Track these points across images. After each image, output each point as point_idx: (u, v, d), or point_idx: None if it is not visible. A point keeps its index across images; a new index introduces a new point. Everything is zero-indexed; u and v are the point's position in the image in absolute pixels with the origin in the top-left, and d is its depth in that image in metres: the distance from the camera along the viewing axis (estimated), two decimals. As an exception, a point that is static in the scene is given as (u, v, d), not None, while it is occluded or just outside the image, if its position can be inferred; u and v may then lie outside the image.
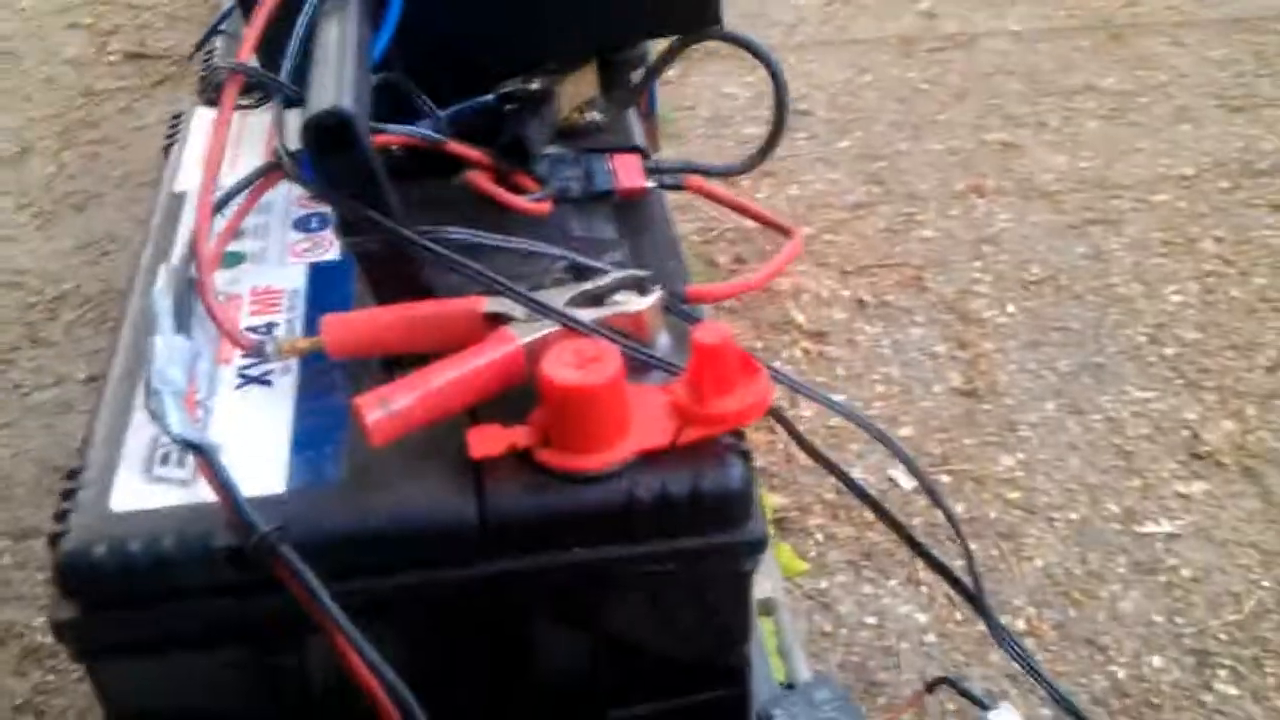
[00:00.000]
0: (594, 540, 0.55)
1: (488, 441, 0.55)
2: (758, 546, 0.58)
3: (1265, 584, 1.39)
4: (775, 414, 0.61)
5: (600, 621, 0.59)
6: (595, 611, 0.59)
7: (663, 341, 0.60)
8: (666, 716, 0.63)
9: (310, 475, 0.55)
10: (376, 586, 0.54)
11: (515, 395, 0.56)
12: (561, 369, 0.53)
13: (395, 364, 0.58)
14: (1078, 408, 1.61)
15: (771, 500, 1.47)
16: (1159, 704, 1.28)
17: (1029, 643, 1.33)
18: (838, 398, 1.56)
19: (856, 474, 1.46)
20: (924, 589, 1.38)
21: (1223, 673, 1.31)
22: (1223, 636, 1.34)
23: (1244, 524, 1.45)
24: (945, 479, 1.52)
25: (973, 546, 1.36)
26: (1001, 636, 0.72)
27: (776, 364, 1.56)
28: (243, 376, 0.61)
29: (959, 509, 1.47)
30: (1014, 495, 1.50)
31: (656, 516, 0.55)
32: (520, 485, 0.54)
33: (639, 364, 0.57)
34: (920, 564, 1.20)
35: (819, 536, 1.45)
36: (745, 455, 0.56)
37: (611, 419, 0.54)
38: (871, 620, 1.36)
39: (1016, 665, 0.74)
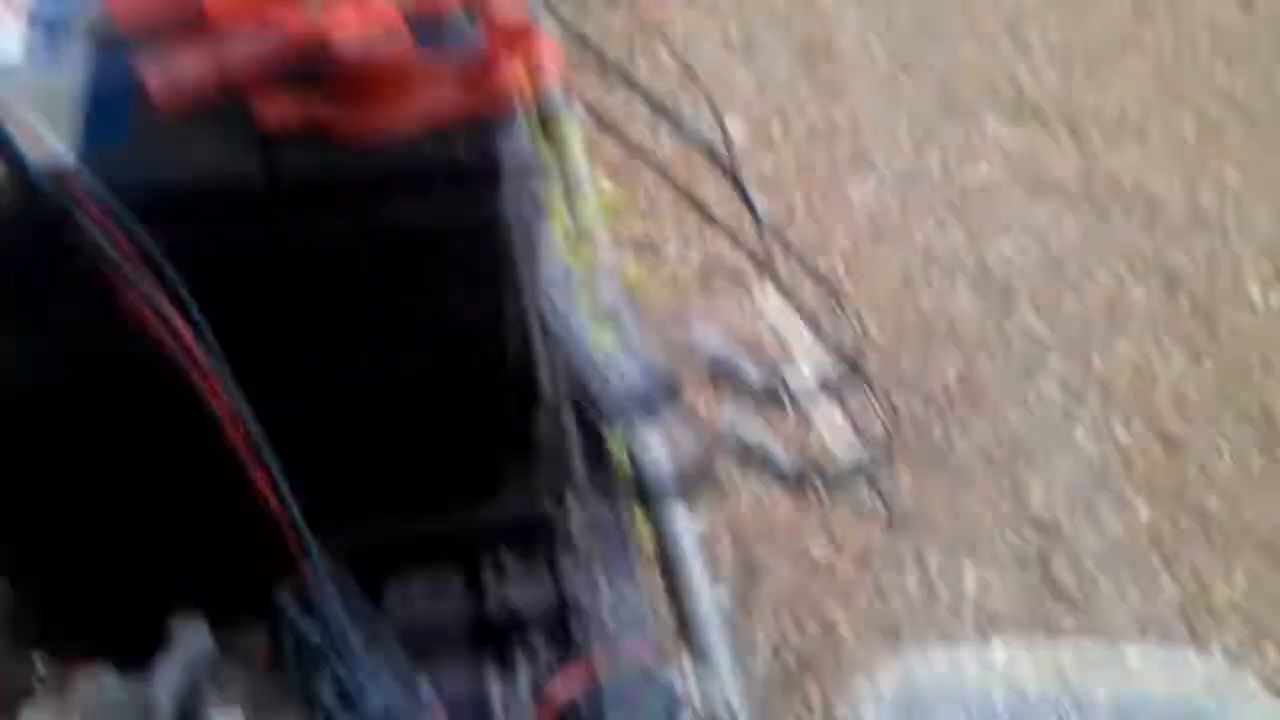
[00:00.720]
0: (380, 203, 0.58)
1: (277, 110, 0.56)
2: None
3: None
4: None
5: (384, 281, 0.62)
6: (380, 271, 0.61)
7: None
8: (445, 363, 0.66)
9: (100, 139, 0.55)
10: (169, 239, 0.54)
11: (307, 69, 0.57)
12: (350, 42, 0.54)
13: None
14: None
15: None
16: (961, 334, 1.38)
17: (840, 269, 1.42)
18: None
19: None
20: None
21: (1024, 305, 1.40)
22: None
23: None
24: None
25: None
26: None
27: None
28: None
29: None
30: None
31: (442, 180, 0.58)
32: (307, 150, 0.56)
33: (425, 34, 0.58)
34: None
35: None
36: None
37: (398, 88, 0.56)
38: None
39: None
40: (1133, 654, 0.55)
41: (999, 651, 0.56)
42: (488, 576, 0.73)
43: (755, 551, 1.38)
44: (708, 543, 1.24)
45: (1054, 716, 0.51)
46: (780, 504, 1.38)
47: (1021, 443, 1.45)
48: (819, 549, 1.38)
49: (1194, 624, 1.35)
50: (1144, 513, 1.42)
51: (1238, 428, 1.48)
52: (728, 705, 0.68)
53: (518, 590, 0.72)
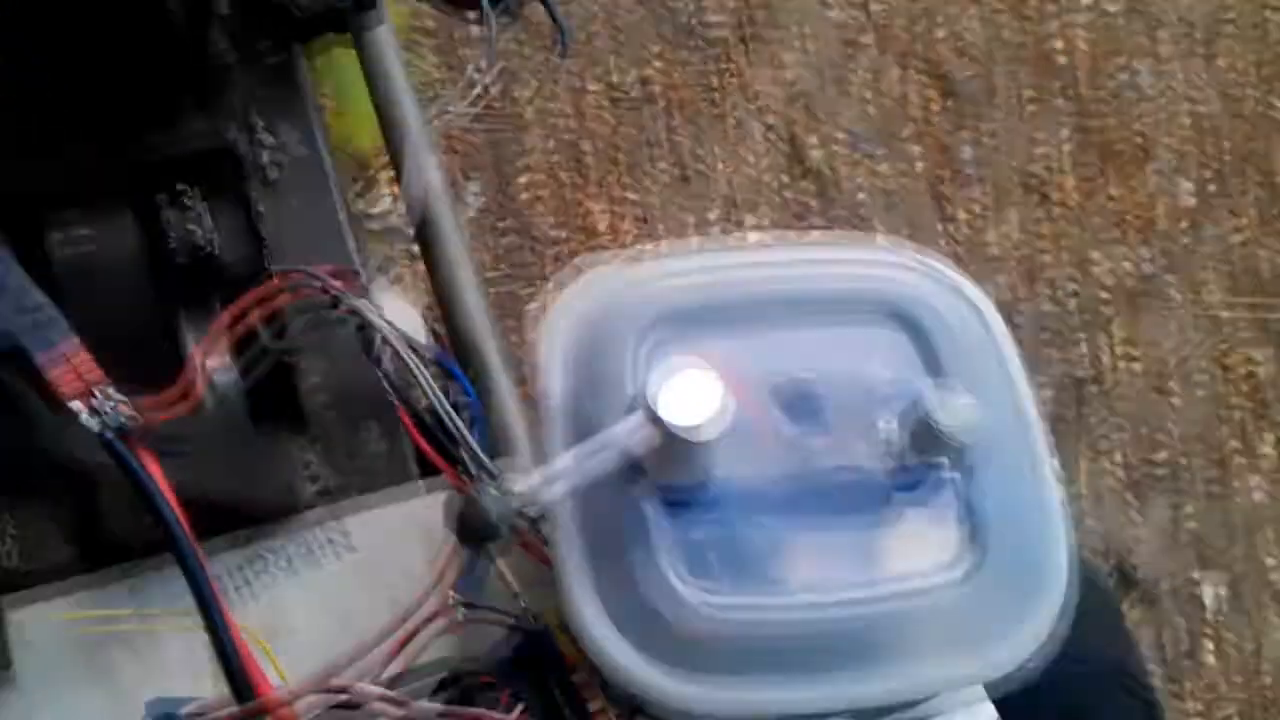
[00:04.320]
0: None
1: None
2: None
3: None
4: None
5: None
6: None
7: None
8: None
9: None
10: None
11: None
12: None
13: None
14: None
15: None
16: None
17: None
18: None
19: None
20: None
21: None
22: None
23: None
24: None
25: None
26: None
27: None
28: None
29: None
30: None
31: None
32: None
33: None
34: None
35: None
36: None
37: None
38: None
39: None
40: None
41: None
42: (167, 213, 0.66)
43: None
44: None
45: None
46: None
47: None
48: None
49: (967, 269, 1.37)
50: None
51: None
52: (429, 334, 0.64)
53: (199, 225, 0.65)
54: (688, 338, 0.48)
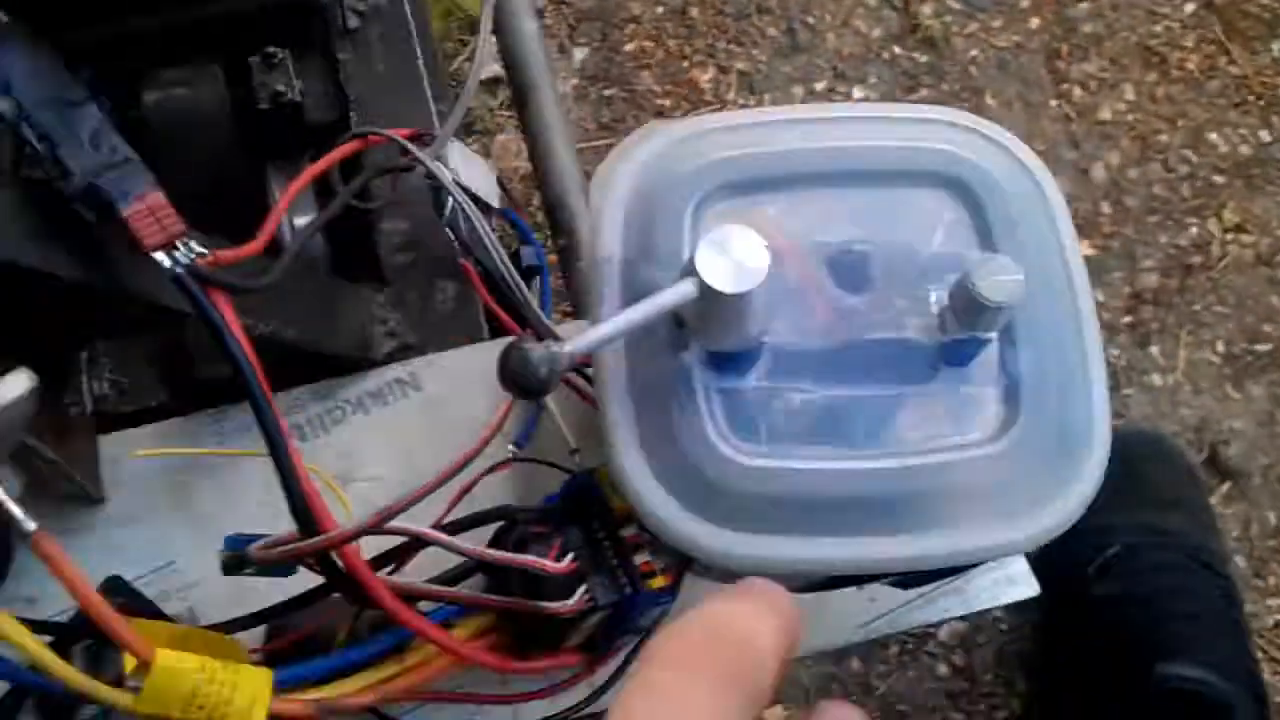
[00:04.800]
0: None
1: None
2: None
3: None
4: None
5: None
6: None
7: None
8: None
9: None
10: None
11: None
12: None
13: None
14: None
15: None
16: None
17: None
18: None
19: None
20: None
21: None
22: None
23: None
24: None
25: None
26: None
27: None
28: None
29: None
30: None
31: None
32: None
33: None
34: None
35: None
36: None
37: None
38: None
39: None
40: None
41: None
42: (257, 71, 0.68)
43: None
44: None
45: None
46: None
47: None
48: None
49: (1079, 141, 1.33)
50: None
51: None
52: (503, 196, 0.65)
53: (286, 80, 0.67)
54: (743, 201, 0.49)
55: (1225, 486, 1.20)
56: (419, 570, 0.53)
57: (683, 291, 0.42)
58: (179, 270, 0.46)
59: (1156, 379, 1.25)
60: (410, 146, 0.58)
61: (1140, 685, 0.97)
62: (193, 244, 0.48)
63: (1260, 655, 1.12)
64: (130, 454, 0.58)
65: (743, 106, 1.38)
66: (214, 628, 0.52)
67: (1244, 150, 1.33)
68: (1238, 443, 1.22)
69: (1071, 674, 1.06)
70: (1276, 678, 1.14)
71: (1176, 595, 1.02)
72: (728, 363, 0.46)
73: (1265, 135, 1.34)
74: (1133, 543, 1.06)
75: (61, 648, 0.45)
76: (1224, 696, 0.95)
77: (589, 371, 0.56)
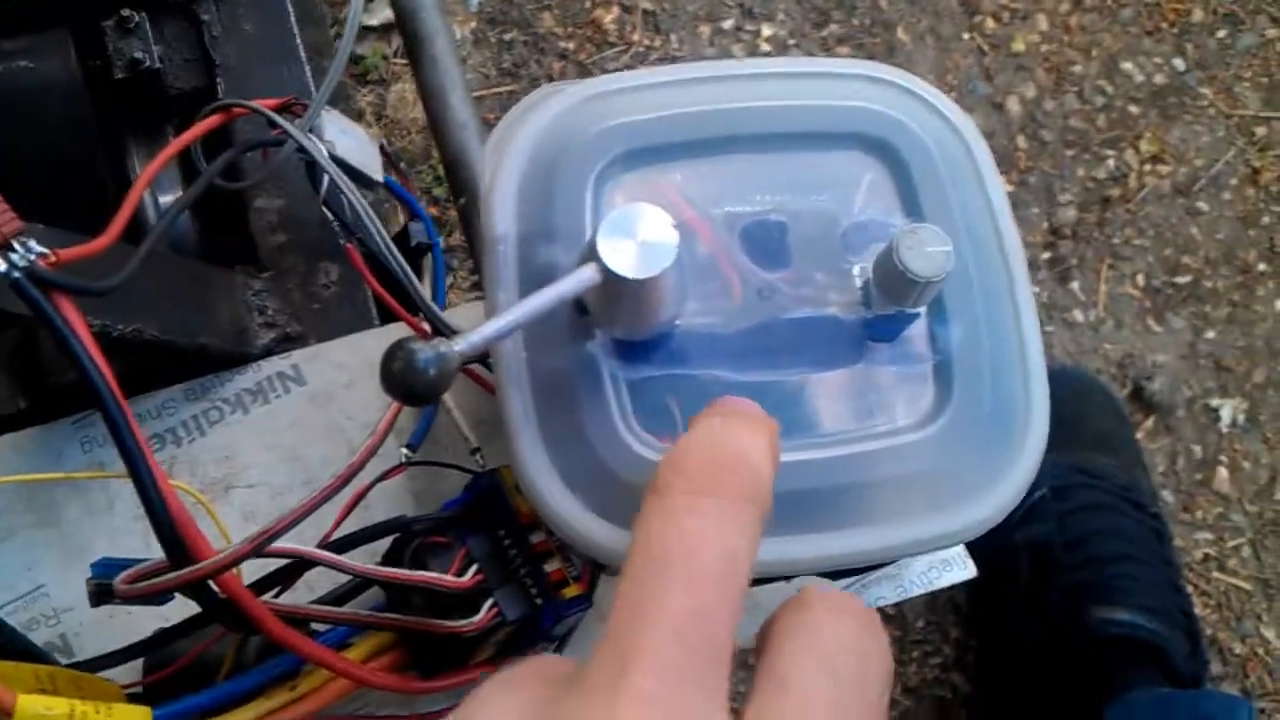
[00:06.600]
0: None
1: None
2: None
3: None
4: None
5: None
6: None
7: None
8: None
9: None
10: None
11: None
12: None
13: None
14: None
15: None
16: None
17: None
18: None
19: None
20: None
21: None
22: None
23: None
24: None
25: None
26: None
27: None
28: None
29: None
30: None
31: None
32: None
33: None
34: None
35: None
36: None
37: None
38: None
39: None
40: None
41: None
42: (111, 36, 0.61)
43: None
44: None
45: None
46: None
47: None
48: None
49: (993, 74, 1.30)
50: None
51: None
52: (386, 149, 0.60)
53: (144, 45, 0.61)
54: (649, 170, 0.44)
55: (1150, 421, 1.19)
56: (310, 585, 0.49)
57: (583, 278, 0.38)
58: (15, 275, 0.41)
59: (1078, 315, 1.23)
60: (277, 118, 0.52)
61: (1075, 631, 0.96)
62: (31, 243, 0.42)
63: (1191, 589, 1.12)
64: (-10, 472, 0.52)
65: (648, 47, 1.33)
66: (86, 665, 0.47)
67: (1159, 79, 1.31)
68: (1161, 377, 1.21)
69: (1005, 620, 1.05)
70: (1206, 611, 1.14)
71: (1108, 537, 1.01)
72: (636, 350, 0.42)
73: (1179, 63, 1.32)
74: (1061, 485, 1.04)
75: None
76: (1158, 639, 0.94)
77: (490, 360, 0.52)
